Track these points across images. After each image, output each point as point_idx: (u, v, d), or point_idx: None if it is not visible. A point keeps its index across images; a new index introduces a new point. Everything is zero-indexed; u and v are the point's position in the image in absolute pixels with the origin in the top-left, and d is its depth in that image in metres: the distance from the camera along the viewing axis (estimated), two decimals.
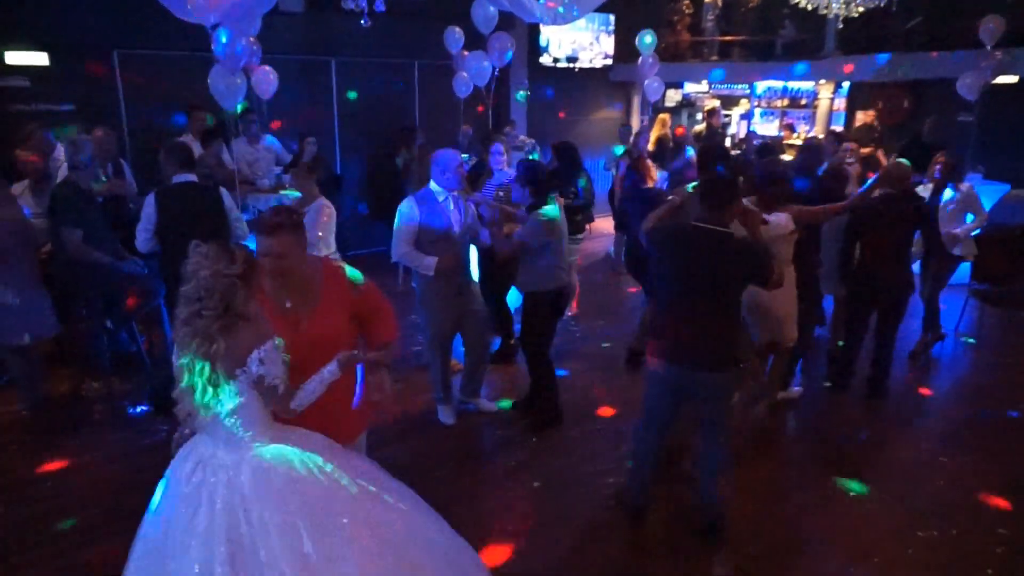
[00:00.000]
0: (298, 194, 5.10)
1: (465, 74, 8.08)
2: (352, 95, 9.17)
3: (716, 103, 12.50)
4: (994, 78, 7.91)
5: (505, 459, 4.33)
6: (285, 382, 2.33)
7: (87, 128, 5.86)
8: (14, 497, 3.86)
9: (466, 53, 8.05)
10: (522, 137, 8.86)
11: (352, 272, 2.90)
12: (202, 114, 6.92)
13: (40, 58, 6.94)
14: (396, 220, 4.21)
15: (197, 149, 6.38)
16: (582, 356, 5.93)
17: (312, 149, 7.58)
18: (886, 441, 4.66)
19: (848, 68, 9.96)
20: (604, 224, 9.49)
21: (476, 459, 4.42)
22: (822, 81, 11.28)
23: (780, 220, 4.13)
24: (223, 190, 4.71)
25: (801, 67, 10.29)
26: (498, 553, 3.45)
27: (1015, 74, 8.41)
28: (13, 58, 6.82)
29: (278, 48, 7.47)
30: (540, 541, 3.58)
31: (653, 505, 3.78)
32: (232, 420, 2.32)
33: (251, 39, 5.64)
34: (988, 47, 7.75)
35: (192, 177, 4.61)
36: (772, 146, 7.24)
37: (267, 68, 6.77)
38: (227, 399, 2.29)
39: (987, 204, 6.26)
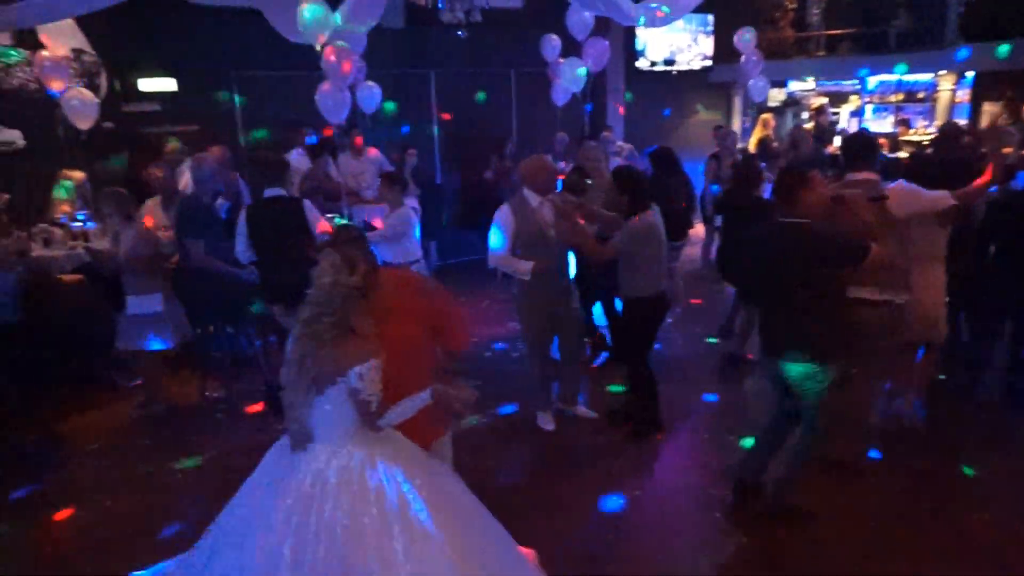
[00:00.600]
0: (412, 201, 5.24)
1: (562, 81, 8.11)
2: (481, 96, 9.35)
3: (823, 101, 11.97)
4: None
5: (604, 466, 4.29)
6: (378, 401, 2.41)
7: (206, 147, 6.27)
8: (149, 486, 4.17)
9: (562, 60, 8.09)
10: (619, 143, 8.78)
11: (422, 280, 2.96)
12: (304, 131, 7.28)
13: (169, 83, 7.52)
14: (492, 227, 4.28)
15: (306, 163, 6.74)
16: (683, 362, 5.80)
17: (413, 161, 7.83)
18: None
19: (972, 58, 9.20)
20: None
21: (575, 466, 4.38)
22: (942, 72, 10.57)
23: (935, 195, 3.83)
24: (306, 202, 4.80)
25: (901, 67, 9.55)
26: (596, 562, 3.43)
27: None
28: (146, 85, 7.43)
29: (380, 63, 7.78)
30: (638, 551, 3.52)
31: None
32: (325, 422, 2.44)
33: (357, 56, 5.90)
34: None
35: (279, 191, 4.76)
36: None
37: (371, 83, 7.05)
38: (323, 402, 2.41)
39: None
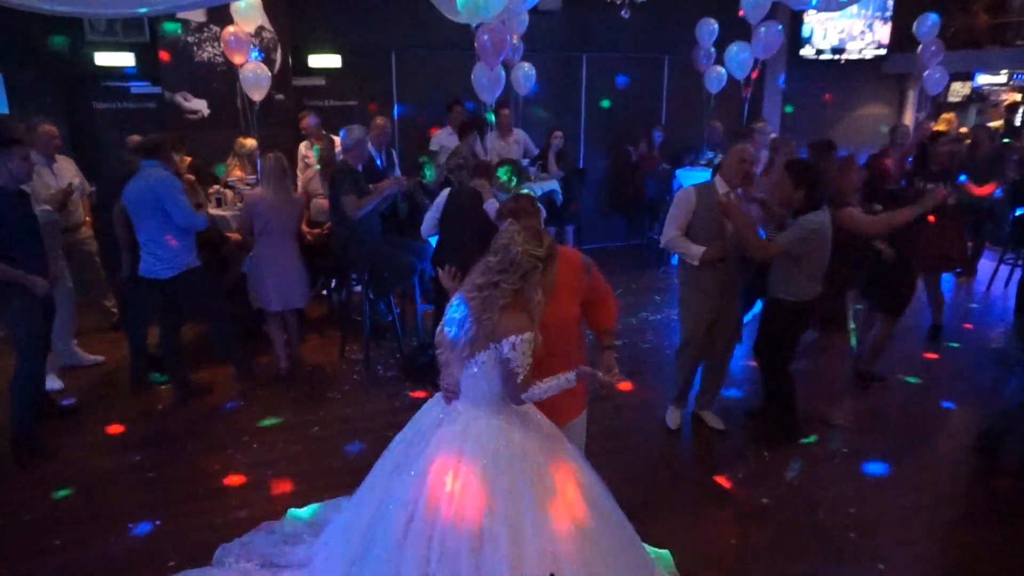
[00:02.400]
0: (553, 184, 5.24)
1: (721, 67, 7.77)
2: (621, 81, 9.18)
3: (1016, 96, 10.71)
4: None
5: (732, 471, 4.12)
6: (526, 374, 2.42)
7: (367, 120, 6.57)
8: (292, 436, 4.49)
9: (713, 50, 7.76)
10: (774, 135, 8.32)
11: (583, 258, 2.94)
12: (460, 108, 7.45)
13: (334, 60, 7.96)
14: (672, 206, 4.19)
15: (454, 141, 6.91)
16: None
17: (558, 143, 7.82)
18: None
19: None
20: None
21: (702, 467, 4.25)
22: None
23: None
24: (490, 202, 4.88)
25: None
26: (718, 569, 3.30)
27: None
28: (314, 61, 7.90)
29: (536, 45, 7.81)
30: (762, 564, 3.35)
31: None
32: (474, 387, 2.50)
33: (514, 36, 5.94)
34: None
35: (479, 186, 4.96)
36: None
37: (527, 64, 7.10)
38: (472, 365, 2.47)
39: None
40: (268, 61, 7.20)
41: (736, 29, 7.67)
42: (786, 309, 4.16)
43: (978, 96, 11.46)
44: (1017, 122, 10.43)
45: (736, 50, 7.54)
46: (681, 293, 4.37)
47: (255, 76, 6.41)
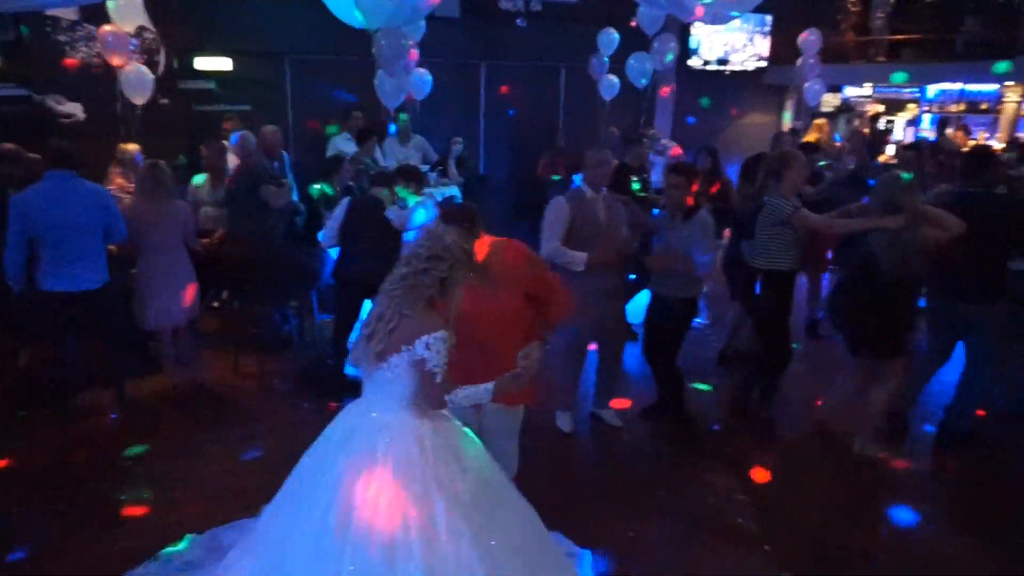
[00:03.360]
0: (453, 189, 5.26)
1: (611, 77, 8.03)
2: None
3: (879, 108, 11.65)
4: None
5: (630, 467, 4.25)
6: (444, 374, 2.40)
7: (257, 126, 6.37)
8: (188, 458, 4.26)
9: (607, 60, 8.02)
10: (664, 141, 8.68)
11: (530, 251, 3.04)
12: (360, 115, 7.35)
13: (224, 63, 7.67)
14: (547, 217, 4.22)
15: (352, 147, 6.81)
16: (713, 363, 5.72)
17: (457, 149, 7.86)
18: None
19: None
20: None
21: (600, 467, 4.36)
22: (1009, 83, 10.18)
23: None
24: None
25: (1003, 66, 8.94)
26: (619, 563, 3.40)
27: None
28: (202, 63, 7.58)
29: (433, 52, 7.80)
30: (665, 554, 3.48)
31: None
32: (386, 390, 2.45)
33: (411, 42, 5.93)
34: None
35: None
36: None
37: (423, 70, 7.08)
38: (385, 370, 2.42)
39: None
40: (151, 63, 6.85)
41: (633, 39, 7.95)
42: (671, 305, 4.35)
43: (847, 107, 12.39)
44: (881, 127, 11.36)
45: (637, 60, 7.82)
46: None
47: (137, 78, 6.08)
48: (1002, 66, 8.70)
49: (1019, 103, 10.54)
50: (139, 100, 6.17)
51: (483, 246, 2.92)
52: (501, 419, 3.09)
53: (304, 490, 2.51)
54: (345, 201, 4.92)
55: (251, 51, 7.70)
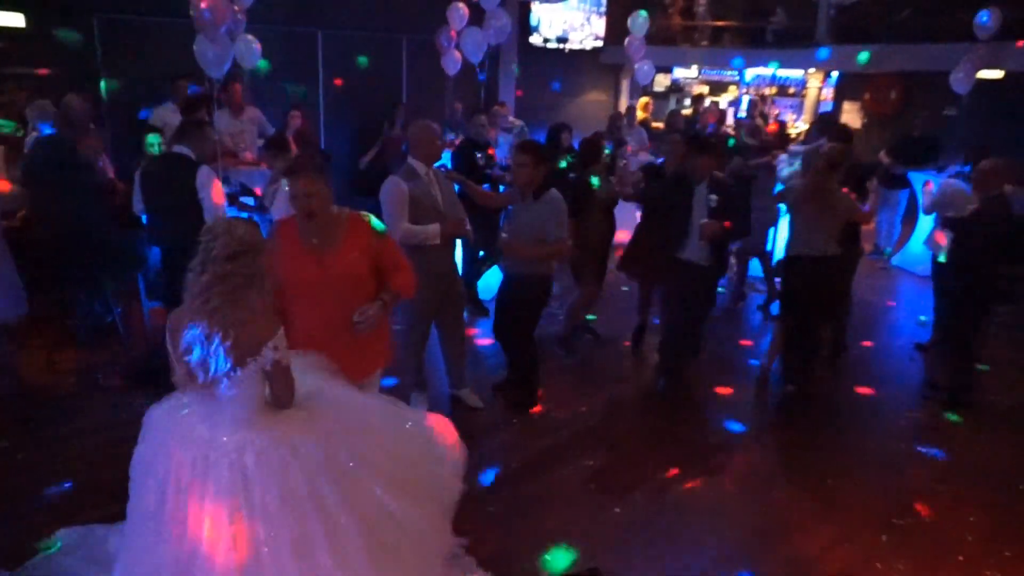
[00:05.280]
0: None
1: (457, 52, 7.96)
2: (363, 61, 9.00)
3: (704, 89, 12.49)
4: (976, 72, 7.94)
5: (488, 442, 4.31)
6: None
7: (61, 95, 5.67)
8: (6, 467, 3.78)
9: (454, 32, 7.94)
10: (511, 118, 8.78)
11: (376, 222, 3.08)
12: (186, 83, 6.75)
13: (15, 19, 6.74)
14: (384, 199, 4.06)
15: (177, 119, 6.25)
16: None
17: (296, 124, 7.47)
18: (875, 430, 4.73)
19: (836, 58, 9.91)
20: None
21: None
22: (811, 70, 11.27)
23: None
24: (202, 167, 4.42)
25: (864, 56, 9.73)
26: (482, 535, 3.44)
27: (1004, 69, 8.44)
28: None
29: (265, 18, 7.31)
30: (523, 522, 3.57)
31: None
32: (235, 405, 2.29)
33: (236, 6, 5.51)
34: (981, 39, 7.75)
35: (183, 149, 4.43)
36: None
37: (249, 37, 6.61)
38: (231, 386, 2.25)
39: None
40: None
41: (479, 13, 7.89)
42: (530, 283, 4.42)
43: (676, 87, 13.18)
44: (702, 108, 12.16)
45: (471, 34, 7.77)
46: None
47: None
48: (863, 56, 9.52)
49: (820, 88, 11.72)
50: None
51: (333, 214, 2.98)
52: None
53: (153, 523, 2.30)
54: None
55: (51, 6, 6.82)
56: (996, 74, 8.56)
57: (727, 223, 4.46)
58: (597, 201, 5.34)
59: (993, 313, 5.22)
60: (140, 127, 6.24)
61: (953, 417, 4.85)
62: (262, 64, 7.83)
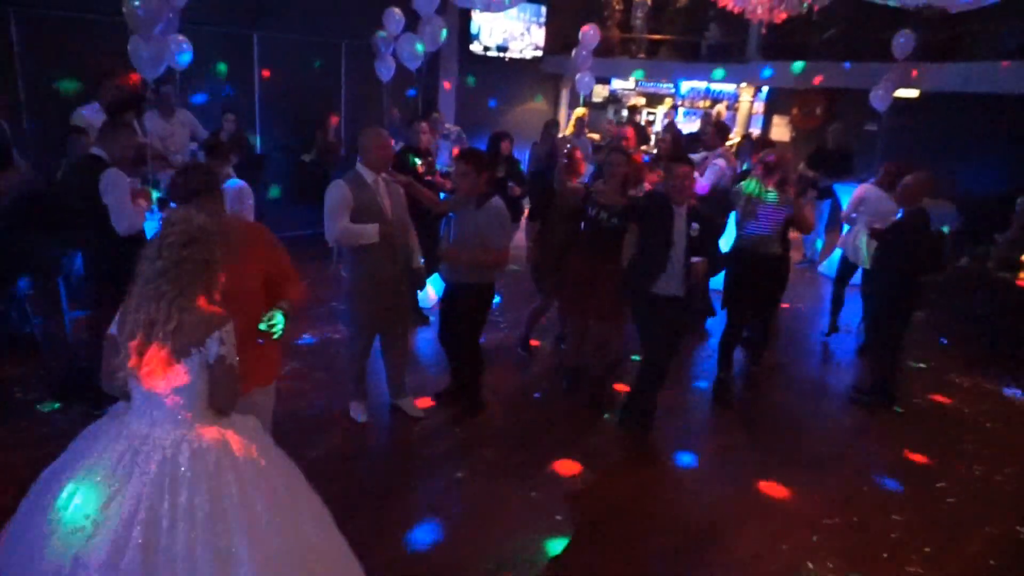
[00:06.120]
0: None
1: (390, 57, 7.88)
2: (316, 64, 8.82)
3: (641, 100, 12.75)
4: (894, 90, 8.36)
5: (431, 450, 4.27)
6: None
7: None
8: None
9: (391, 36, 7.86)
10: (448, 125, 8.76)
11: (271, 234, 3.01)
12: (112, 83, 6.47)
13: None
14: (327, 202, 4.00)
15: (102, 119, 5.99)
16: (508, 347, 5.92)
17: (230, 127, 7.28)
18: (802, 432, 4.89)
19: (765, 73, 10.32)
20: None
21: (400, 453, 4.34)
22: (743, 84, 11.65)
23: None
24: (108, 171, 4.10)
25: (798, 66, 10.15)
26: (427, 544, 3.41)
27: (920, 88, 8.91)
28: None
29: (197, 18, 7.09)
30: (470, 530, 3.55)
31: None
32: (175, 400, 2.21)
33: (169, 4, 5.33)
34: (900, 60, 8.17)
35: (100, 151, 4.18)
36: None
37: (180, 37, 6.40)
38: (174, 377, 2.18)
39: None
40: None
41: (415, 20, 7.83)
42: (474, 291, 4.41)
43: (614, 98, 13.42)
44: (642, 121, 12.41)
45: (407, 40, 7.69)
46: (352, 284, 4.27)
47: None
48: (797, 66, 9.92)
49: (751, 102, 12.11)
50: None
51: (233, 226, 2.85)
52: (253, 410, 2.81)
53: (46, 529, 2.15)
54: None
55: None
56: (912, 93, 9.03)
57: (704, 256, 4.26)
58: (561, 206, 5.20)
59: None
60: (65, 128, 5.95)
61: (879, 417, 5.09)
62: (221, 67, 7.63)
